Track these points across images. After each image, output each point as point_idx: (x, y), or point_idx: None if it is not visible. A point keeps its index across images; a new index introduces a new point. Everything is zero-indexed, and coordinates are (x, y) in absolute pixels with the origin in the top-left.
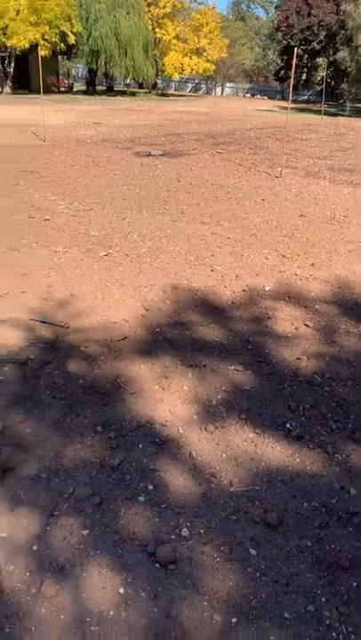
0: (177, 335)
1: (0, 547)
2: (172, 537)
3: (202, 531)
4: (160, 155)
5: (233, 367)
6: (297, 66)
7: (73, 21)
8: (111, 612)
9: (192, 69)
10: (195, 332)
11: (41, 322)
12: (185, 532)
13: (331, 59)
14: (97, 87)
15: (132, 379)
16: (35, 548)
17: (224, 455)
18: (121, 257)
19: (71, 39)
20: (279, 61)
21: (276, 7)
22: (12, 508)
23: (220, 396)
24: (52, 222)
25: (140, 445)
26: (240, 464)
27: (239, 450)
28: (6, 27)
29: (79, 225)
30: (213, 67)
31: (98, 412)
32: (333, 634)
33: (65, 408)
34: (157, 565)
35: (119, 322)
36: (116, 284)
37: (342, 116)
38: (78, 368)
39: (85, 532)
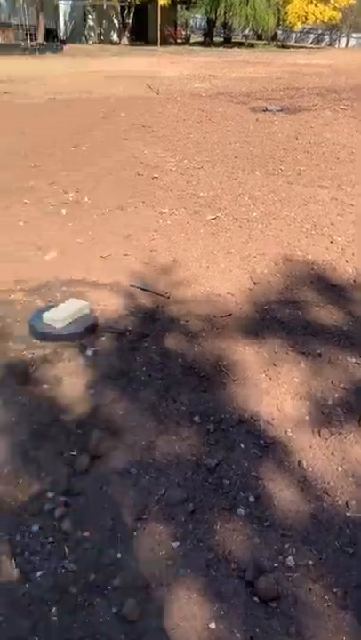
0: (288, 315)
1: (80, 548)
2: (275, 565)
3: (310, 562)
4: (277, 110)
5: (354, 360)
6: None
7: None
8: None
9: (316, 18)
10: (309, 312)
11: (142, 289)
12: (290, 561)
13: None
14: (214, 38)
15: (234, 362)
16: (119, 556)
17: (340, 469)
18: (229, 221)
19: None
20: None
21: None
22: (97, 505)
23: (337, 395)
24: (160, 181)
25: (242, 445)
26: (360, 483)
27: (358, 464)
28: None
29: (187, 185)
30: (340, 15)
31: (196, 398)
32: None
33: (161, 390)
34: (256, 599)
35: (224, 295)
36: (223, 251)
37: None
38: (177, 345)
39: (176, 545)
